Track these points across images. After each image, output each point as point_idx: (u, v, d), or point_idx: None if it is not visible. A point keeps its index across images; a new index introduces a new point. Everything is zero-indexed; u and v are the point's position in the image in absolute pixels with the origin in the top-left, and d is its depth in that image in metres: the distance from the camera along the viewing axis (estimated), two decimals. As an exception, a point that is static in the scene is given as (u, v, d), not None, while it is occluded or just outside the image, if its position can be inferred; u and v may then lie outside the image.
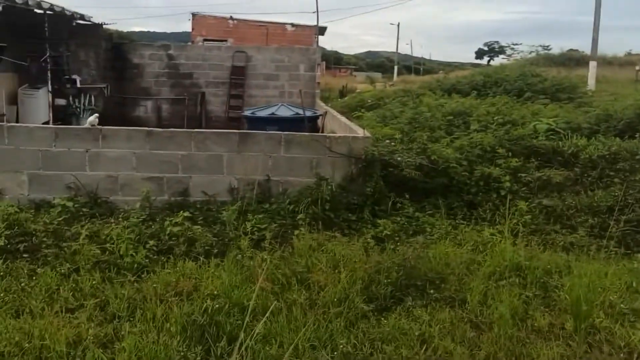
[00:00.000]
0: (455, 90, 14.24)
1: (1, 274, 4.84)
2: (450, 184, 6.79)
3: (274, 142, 6.77)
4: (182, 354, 3.58)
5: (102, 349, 3.70)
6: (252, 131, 7.37)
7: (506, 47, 69.76)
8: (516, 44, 58.75)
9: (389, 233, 5.80)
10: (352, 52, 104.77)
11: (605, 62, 28.49)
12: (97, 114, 6.86)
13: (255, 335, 3.73)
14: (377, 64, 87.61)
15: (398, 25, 64.07)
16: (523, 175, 7.02)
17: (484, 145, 7.63)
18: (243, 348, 3.46)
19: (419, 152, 6.95)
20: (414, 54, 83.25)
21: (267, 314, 3.75)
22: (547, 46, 36.12)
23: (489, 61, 77.54)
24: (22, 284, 4.62)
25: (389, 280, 4.65)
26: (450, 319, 4.20)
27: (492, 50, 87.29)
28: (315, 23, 24.06)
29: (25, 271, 4.89)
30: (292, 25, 24.77)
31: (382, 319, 4.21)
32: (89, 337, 3.80)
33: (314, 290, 4.55)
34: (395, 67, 58.85)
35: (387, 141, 7.24)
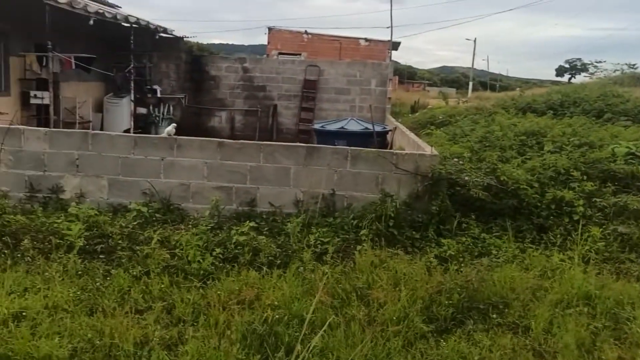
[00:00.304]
0: (531, 109, 13.84)
1: (79, 272, 5.14)
2: (519, 206, 6.61)
3: (340, 157, 6.84)
4: (241, 361, 3.68)
5: (167, 351, 3.86)
6: (319, 145, 7.48)
7: (589, 64, 67.02)
8: (600, 62, 56.22)
9: (453, 253, 5.72)
10: (426, 67, 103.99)
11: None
12: (175, 124, 7.17)
13: (312, 348, 3.78)
14: (451, 79, 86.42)
15: (474, 41, 62.79)
16: (598, 200, 6.74)
17: (557, 167, 7.39)
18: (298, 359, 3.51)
19: (487, 172, 6.82)
20: (491, 70, 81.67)
21: (324, 328, 3.78)
22: (634, 65, 34.36)
23: (570, 79, 74.77)
24: (97, 284, 4.89)
25: (451, 302, 4.59)
26: (512, 345, 4.09)
27: (574, 67, 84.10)
28: (389, 38, 24.07)
29: (101, 271, 5.17)
30: (366, 40, 24.91)
31: (442, 340, 4.16)
32: (155, 339, 3.97)
33: (373, 307, 4.55)
34: (470, 83, 57.83)
35: (455, 160, 7.15)
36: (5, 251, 5.50)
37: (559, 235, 6.19)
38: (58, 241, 5.64)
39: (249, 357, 3.73)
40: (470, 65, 65.56)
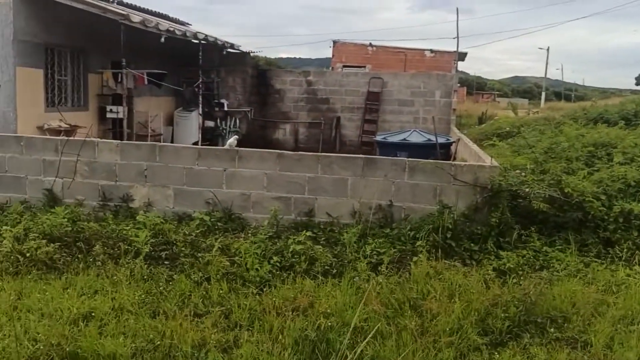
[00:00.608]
0: (602, 120, 13.31)
1: (145, 277, 5.41)
2: (585, 219, 6.39)
3: (398, 168, 6.86)
4: (292, 366, 3.77)
5: (223, 354, 4.00)
6: (376, 157, 7.52)
7: (671, 72, 63.55)
8: (683, 69, 53.30)
9: (512, 266, 5.60)
10: (496, 77, 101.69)
11: None
12: (236, 136, 7.41)
13: (363, 356, 3.82)
14: (523, 89, 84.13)
15: (547, 50, 60.91)
16: (671, 213, 6.41)
17: (627, 179, 7.09)
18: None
19: (551, 184, 6.64)
20: (565, 80, 78.83)
21: (372, 333, 3.81)
22: None
23: (650, 88, 71.13)
24: (161, 288, 5.13)
25: (507, 315, 4.51)
26: (570, 360, 3.98)
27: (655, 75, 79.93)
28: (454, 49, 23.80)
29: (164, 276, 5.41)
30: (431, 51, 24.75)
31: (496, 353, 4.09)
32: (211, 341, 4.13)
33: (426, 317, 4.54)
34: (543, 94, 56.07)
35: (517, 171, 7.00)
36: (79, 255, 5.86)
37: (626, 250, 5.94)
38: (126, 247, 5.96)
39: (300, 362, 3.81)
40: (543, 75, 63.62)
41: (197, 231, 6.56)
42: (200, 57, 15.50)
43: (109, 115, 14.41)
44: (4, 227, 6.36)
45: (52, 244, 5.95)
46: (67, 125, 12.77)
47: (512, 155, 9.00)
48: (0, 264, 5.63)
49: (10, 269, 5.56)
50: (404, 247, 6.09)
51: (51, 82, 13.06)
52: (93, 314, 4.52)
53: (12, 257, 5.73)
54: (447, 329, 4.31)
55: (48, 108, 12.88)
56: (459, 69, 24.75)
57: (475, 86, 66.66)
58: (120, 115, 13.92)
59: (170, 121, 17.43)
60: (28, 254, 5.74)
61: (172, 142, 16.25)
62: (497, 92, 71.60)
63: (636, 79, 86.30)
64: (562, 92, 65.69)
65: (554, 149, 9.06)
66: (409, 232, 6.34)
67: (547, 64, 63.11)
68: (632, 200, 6.64)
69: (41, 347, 3.85)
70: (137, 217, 6.76)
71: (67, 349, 3.87)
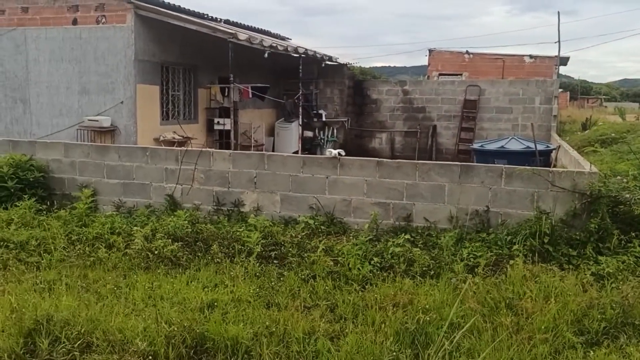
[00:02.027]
0: None
1: (257, 274, 6.00)
2: (691, 224, 6.27)
3: (494, 175, 7.03)
4: (394, 354, 4.13)
5: (331, 341, 4.44)
6: (472, 164, 7.72)
7: None
8: None
9: (611, 271, 5.64)
10: (604, 81, 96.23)
11: None
12: (341, 150, 7.88)
13: (460, 347, 4.12)
14: (634, 93, 79.06)
15: (659, 50, 56.78)
16: None
17: None
18: (447, 356, 3.88)
19: (655, 191, 6.55)
20: (681, 81, 73.07)
21: (467, 326, 4.09)
22: None
23: None
24: (272, 283, 5.67)
25: (604, 317, 4.63)
26: (668, 361, 4.05)
27: None
28: (556, 53, 23.14)
29: (275, 273, 5.97)
30: (531, 57, 24.18)
31: (591, 351, 4.24)
32: (320, 330, 4.58)
33: (521, 316, 4.75)
34: (655, 97, 52.50)
35: (618, 177, 6.95)
36: (199, 254, 6.57)
37: None
38: (240, 247, 6.60)
39: (401, 350, 4.17)
40: (654, 77, 59.61)
41: (303, 234, 7.08)
42: (300, 70, 16.24)
43: (216, 127, 15.50)
44: (135, 228, 7.23)
45: (176, 243, 6.72)
46: (180, 137, 13.91)
47: (614, 161, 8.83)
48: (133, 260, 6.44)
49: (142, 264, 6.35)
50: (500, 251, 6.28)
51: (166, 97, 14.28)
52: (216, 304, 5.12)
53: (142, 254, 6.53)
54: (543, 327, 4.50)
55: (163, 121, 14.09)
56: (562, 73, 23.97)
57: (580, 90, 63.53)
58: (227, 127, 14.93)
59: (271, 132, 18.34)
60: (156, 252, 6.52)
61: (273, 151, 17.10)
62: (604, 97, 67.78)
63: None
64: (679, 95, 60.99)
65: (661, 155, 8.80)
66: (506, 237, 6.51)
67: (660, 65, 58.94)
68: None
69: (175, 329, 4.47)
70: (249, 220, 7.41)
71: (197, 331, 4.47)
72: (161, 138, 13.49)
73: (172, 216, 7.62)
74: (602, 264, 5.80)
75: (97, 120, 12.84)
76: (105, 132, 12.89)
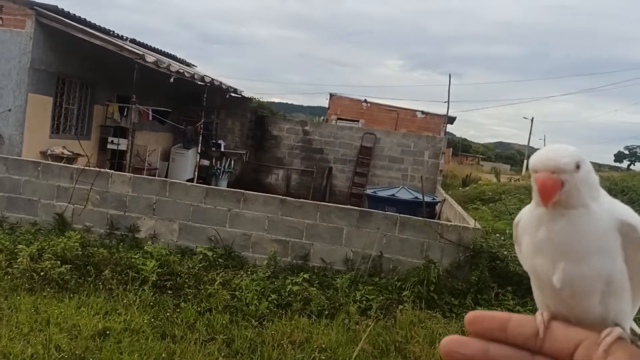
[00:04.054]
0: (578, 193, 14.09)
1: (151, 303, 5.87)
2: (555, 284, 6.99)
3: (390, 222, 7.45)
4: (290, 391, 4.24)
5: (226, 377, 4.47)
6: (371, 210, 8.12)
7: (649, 152, 66.18)
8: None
9: (487, 321, 6.14)
10: (482, 141, 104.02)
11: None
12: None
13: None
14: (506, 155, 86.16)
15: (532, 120, 62.99)
16: None
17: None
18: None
19: (527, 249, 7.25)
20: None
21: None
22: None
23: (629, 166, 73.52)
24: (168, 314, 5.59)
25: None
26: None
27: (634, 154, 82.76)
28: (445, 111, 24.87)
29: (171, 304, 5.88)
30: (422, 112, 25.75)
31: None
32: (217, 365, 4.59)
33: (410, 359, 5.05)
34: (525, 161, 57.66)
35: (497, 235, 7.63)
36: (89, 278, 6.30)
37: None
38: (134, 274, 6.42)
39: (298, 388, 4.29)
40: (526, 143, 65.52)
41: (200, 265, 7.03)
42: (204, 99, 16.19)
43: (109, 146, 14.96)
44: (20, 246, 6.80)
45: (65, 265, 6.40)
46: (70, 153, 13.27)
47: (493, 219, 9.65)
48: (16, 280, 6.06)
49: (26, 285, 5.99)
50: (390, 296, 6.63)
51: (59, 110, 13.61)
52: (108, 332, 4.96)
53: (27, 274, 6.16)
54: (428, 371, 4.83)
55: (53, 134, 13.38)
56: (448, 130, 25.74)
57: (461, 148, 68.27)
58: (122, 147, 14.46)
59: (166, 156, 17.96)
60: (42, 273, 6.18)
61: (166, 176, 16.72)
62: (482, 156, 73.29)
63: (615, 155, 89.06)
64: (544, 162, 67.42)
65: (532, 217, 9.73)
66: (396, 283, 6.89)
67: (530, 133, 65.00)
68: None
69: (65, 356, 4.28)
70: (145, 247, 7.24)
71: (90, 360, 4.32)
72: (49, 152, 12.78)
73: (62, 237, 7.26)
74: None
75: (-20, 126, 11.96)
76: (-13, 140, 12.01)
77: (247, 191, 7.81)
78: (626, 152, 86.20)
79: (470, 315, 0.72)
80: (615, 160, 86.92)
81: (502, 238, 7.58)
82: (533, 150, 74.10)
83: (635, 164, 75.21)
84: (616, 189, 14.09)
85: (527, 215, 0.79)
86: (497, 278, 6.96)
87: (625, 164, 79.71)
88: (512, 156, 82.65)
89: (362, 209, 7.74)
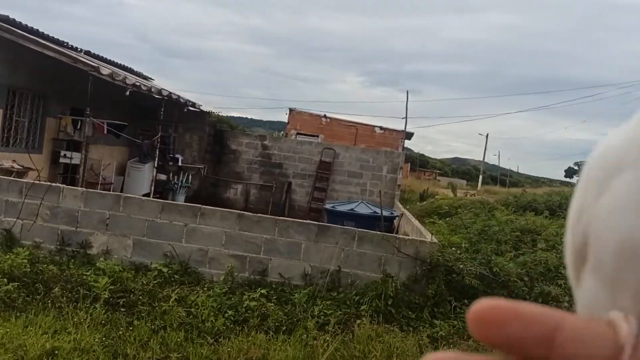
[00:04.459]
0: (531, 208, 14.53)
1: (103, 321, 5.69)
2: (509, 297, 7.12)
3: (348, 237, 7.46)
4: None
5: (180, 396, 4.35)
6: (329, 225, 8.12)
7: (597, 168, 68.49)
8: (608, 166, 57.72)
9: (444, 334, 6.21)
10: (439, 157, 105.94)
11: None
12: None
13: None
14: (463, 170, 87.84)
15: (486, 136, 64.60)
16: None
17: (548, 264, 7.94)
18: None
19: (482, 263, 7.39)
20: (502, 165, 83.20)
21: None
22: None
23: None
24: (120, 333, 5.43)
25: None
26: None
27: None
28: (403, 127, 25.24)
29: (123, 322, 5.71)
30: (381, 128, 26.07)
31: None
32: (171, 384, 4.48)
33: (367, 374, 5.04)
34: (480, 177, 58.92)
35: (453, 249, 7.74)
36: (37, 297, 6.08)
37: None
38: (85, 292, 6.23)
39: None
40: (481, 159, 67.04)
41: (155, 282, 6.88)
42: (161, 112, 15.97)
43: (62, 160, 14.54)
44: (-37, 263, 6.52)
45: (12, 283, 6.16)
46: (21, 167, 12.85)
47: (449, 233, 9.80)
48: (-41, 299, 5.79)
49: (-31, 304, 5.73)
50: (348, 310, 6.61)
51: (9, 122, 13.18)
52: (57, 352, 4.78)
53: (-30, 293, 5.90)
54: (385, 386, 4.82)
55: (2, 148, 12.94)
56: (406, 145, 26.09)
57: (419, 163, 69.29)
58: (75, 161, 14.10)
59: (122, 171, 17.59)
60: (-13, 291, 5.93)
61: (121, 191, 16.36)
62: (439, 171, 74.52)
63: (565, 171, 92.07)
64: (498, 177, 69.36)
65: (487, 231, 9.95)
66: (354, 297, 6.89)
67: (485, 149, 66.54)
68: (551, 283, 7.45)
69: (10, 379, 4.10)
70: (97, 264, 7.04)
71: (36, 382, 4.14)
72: (-2, 165, 12.36)
73: (10, 253, 6.99)
74: (437, 327, 6.36)
75: None
76: None
77: (204, 206, 7.70)
78: (576, 167, 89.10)
79: (481, 309, 0.40)
80: (565, 176, 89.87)
81: (458, 252, 7.69)
82: (488, 165, 76.05)
83: (585, 179, 77.50)
84: (566, 204, 14.53)
85: (626, 143, 0.45)
86: (453, 291, 7.04)
87: (575, 179, 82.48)
88: (468, 171, 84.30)
89: (320, 223, 7.74)
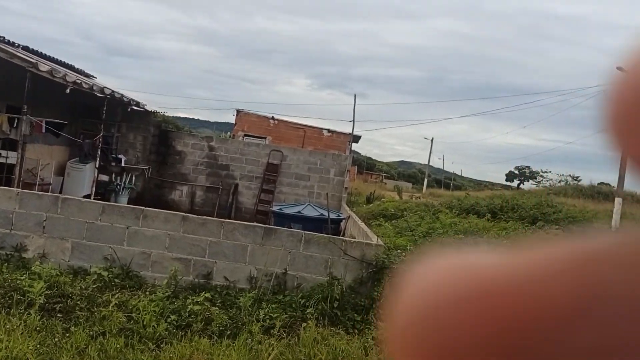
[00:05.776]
0: (473, 211, 14.90)
1: (37, 328, 5.45)
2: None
3: (294, 240, 7.43)
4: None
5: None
6: (276, 227, 8.07)
7: (537, 172, 71.35)
8: (546, 171, 60.20)
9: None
10: (385, 160, 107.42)
11: (635, 200, 28.51)
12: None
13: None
14: (409, 174, 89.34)
15: (431, 140, 65.99)
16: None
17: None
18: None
19: (427, 265, 7.49)
20: (446, 169, 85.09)
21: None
22: (577, 177, 36.82)
23: (519, 185, 78.60)
24: (56, 340, 5.21)
25: (382, 379, 5.09)
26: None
27: (523, 174, 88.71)
28: (350, 130, 25.39)
29: (60, 329, 5.48)
30: (329, 130, 26.15)
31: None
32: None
33: (312, 378, 5.01)
34: (426, 180, 60.04)
35: (399, 251, 7.82)
36: (-34, 303, 5.76)
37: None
38: (19, 297, 5.95)
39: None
40: (426, 162, 68.37)
41: (94, 286, 6.65)
42: (104, 111, 15.50)
43: (-3, 159, 13.91)
44: None
45: (-62, 289, 5.83)
46: (-49, 166, 12.21)
47: (395, 236, 9.92)
48: None
49: None
50: (294, 314, 6.58)
51: (-61, 120, 12.51)
52: (-14, 362, 4.54)
53: None
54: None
55: None
56: (353, 148, 26.32)
57: (366, 166, 70.07)
58: (10, 161, 13.51)
59: (61, 171, 16.97)
60: None
61: (60, 192, 15.77)
62: (385, 174, 75.56)
63: (507, 175, 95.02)
64: (442, 180, 71.00)
65: (431, 233, 10.13)
66: (300, 300, 6.86)
67: (430, 152, 67.85)
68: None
69: None
70: (33, 268, 6.75)
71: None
72: None
73: (-64, 257, 6.61)
74: (382, 329, 6.40)
75: None
76: None
77: (147, 208, 7.50)
78: (516, 172, 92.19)
79: None
80: (506, 180, 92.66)
81: (403, 254, 7.77)
82: (433, 168, 77.61)
83: (525, 183, 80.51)
84: (507, 206, 15.01)
85: None
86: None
87: (515, 183, 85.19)
88: (414, 175, 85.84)
89: (266, 226, 7.67)
